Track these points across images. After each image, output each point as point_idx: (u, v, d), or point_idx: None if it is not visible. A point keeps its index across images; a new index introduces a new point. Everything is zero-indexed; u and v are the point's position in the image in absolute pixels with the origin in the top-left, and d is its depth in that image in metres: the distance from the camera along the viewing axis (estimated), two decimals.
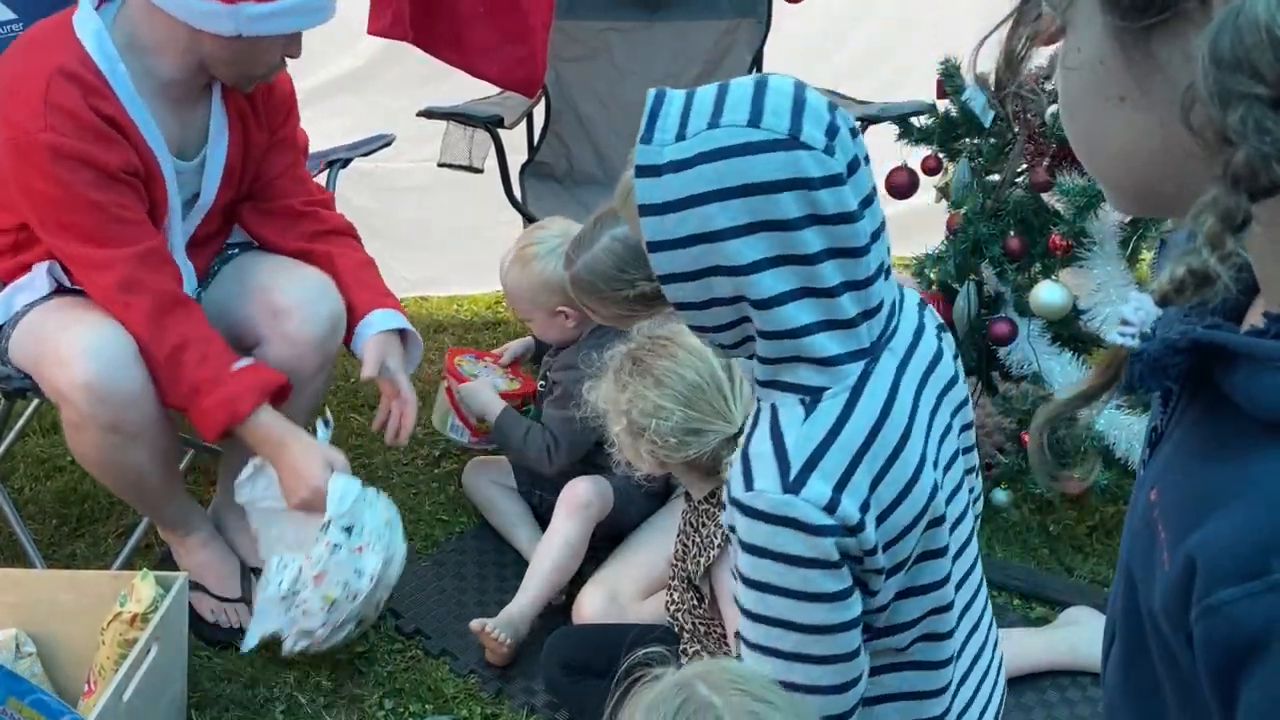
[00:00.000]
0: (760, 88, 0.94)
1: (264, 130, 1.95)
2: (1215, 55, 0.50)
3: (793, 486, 0.95)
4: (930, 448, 1.05)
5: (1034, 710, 1.78)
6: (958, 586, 1.12)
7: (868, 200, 0.96)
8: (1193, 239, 0.53)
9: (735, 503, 0.99)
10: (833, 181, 0.93)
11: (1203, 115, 0.51)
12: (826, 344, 0.97)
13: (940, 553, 1.07)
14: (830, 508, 0.95)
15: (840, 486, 0.96)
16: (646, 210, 0.95)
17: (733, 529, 1.01)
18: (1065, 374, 2.03)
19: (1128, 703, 0.71)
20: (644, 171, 0.95)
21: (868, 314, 0.98)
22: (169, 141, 1.80)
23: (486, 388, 2.19)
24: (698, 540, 1.58)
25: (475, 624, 1.84)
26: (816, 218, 0.93)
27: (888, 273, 1.02)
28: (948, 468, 1.10)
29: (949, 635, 1.12)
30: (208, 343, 1.76)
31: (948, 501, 1.08)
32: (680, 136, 0.93)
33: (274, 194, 1.98)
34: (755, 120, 0.92)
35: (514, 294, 2.09)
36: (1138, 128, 0.59)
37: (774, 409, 1.00)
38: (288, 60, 1.84)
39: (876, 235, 0.98)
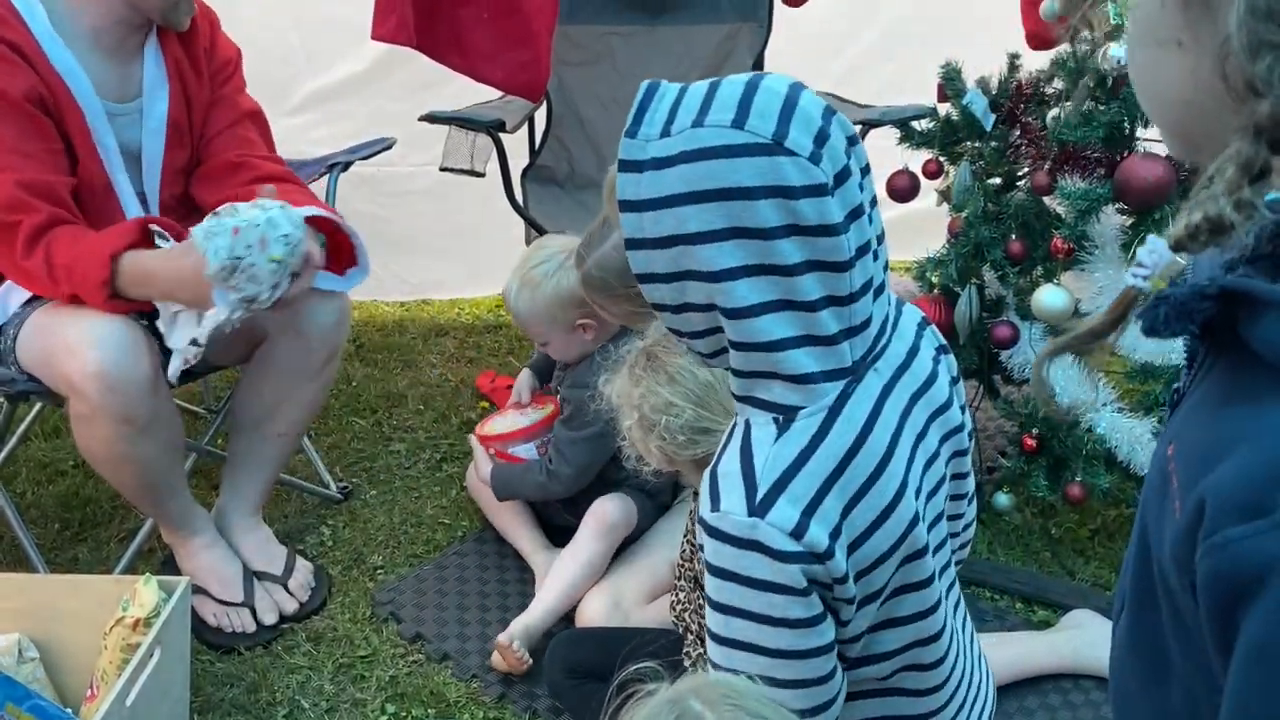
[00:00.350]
0: (752, 87, 0.89)
1: (204, 87, 1.97)
2: (1251, 5, 0.52)
3: (759, 509, 0.91)
4: (913, 474, 1.01)
5: (1036, 714, 1.77)
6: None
7: (856, 213, 0.90)
8: (1211, 185, 0.55)
9: (702, 523, 0.96)
10: (816, 191, 0.87)
11: (1235, 66, 0.53)
12: (803, 360, 0.92)
13: (924, 584, 1.03)
14: (797, 533, 0.91)
15: (809, 512, 0.91)
16: (625, 206, 0.92)
17: (701, 548, 0.98)
18: (1067, 377, 2.03)
19: (1135, 666, 0.71)
20: (626, 166, 0.92)
21: (850, 331, 0.93)
22: (100, 86, 1.81)
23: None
24: None
25: (502, 638, 1.83)
26: (796, 228, 0.88)
27: (879, 290, 0.97)
28: (931, 495, 1.05)
29: (938, 663, 1.08)
30: (79, 235, 1.74)
31: (929, 530, 1.04)
32: (665, 133, 0.90)
33: (212, 152, 1.99)
34: (740, 121, 0.87)
35: (528, 319, 2.01)
36: (1186, 73, 0.60)
37: (747, 426, 0.96)
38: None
39: (865, 250, 0.92)
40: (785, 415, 0.94)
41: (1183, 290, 0.61)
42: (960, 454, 1.13)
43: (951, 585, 1.15)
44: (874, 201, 0.95)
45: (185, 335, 1.75)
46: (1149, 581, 0.66)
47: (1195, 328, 0.61)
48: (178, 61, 1.91)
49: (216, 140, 1.99)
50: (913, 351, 1.04)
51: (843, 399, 0.95)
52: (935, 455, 1.06)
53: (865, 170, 0.94)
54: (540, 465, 2.05)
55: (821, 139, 0.88)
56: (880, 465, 0.96)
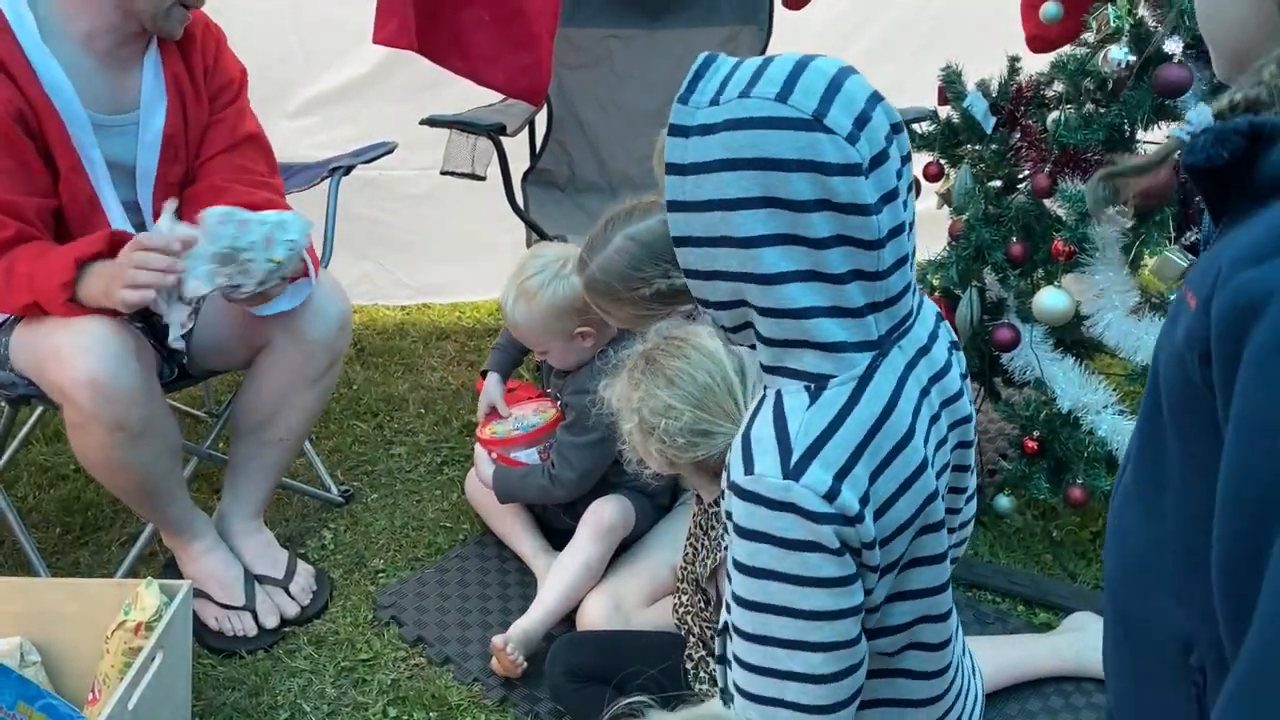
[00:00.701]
0: (801, 66, 0.92)
1: (203, 106, 1.96)
2: None
3: (793, 473, 0.94)
4: (930, 451, 1.04)
5: (1038, 716, 1.77)
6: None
7: (890, 195, 0.94)
8: (1256, 76, 0.70)
9: (734, 487, 0.98)
10: (850, 170, 0.90)
11: None
12: (832, 329, 0.96)
13: (936, 559, 1.05)
14: (830, 496, 0.94)
15: (841, 476, 0.94)
16: (671, 169, 0.96)
17: (729, 515, 1.00)
18: (1068, 379, 2.03)
19: (1134, 500, 0.80)
20: (675, 131, 0.95)
21: (876, 306, 0.97)
22: (92, 96, 1.80)
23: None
24: (706, 543, 1.58)
25: (498, 640, 1.83)
26: (829, 203, 0.91)
27: (907, 272, 1.00)
28: (939, 476, 1.08)
29: (943, 645, 1.10)
30: (45, 248, 1.74)
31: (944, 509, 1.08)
32: (714, 102, 0.93)
33: (202, 174, 1.97)
34: (784, 96, 0.90)
35: (526, 329, 2.00)
36: (1249, 4, 0.74)
37: (778, 394, 0.99)
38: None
39: (898, 230, 0.95)
40: (817, 383, 0.97)
41: (1219, 125, 0.72)
42: (964, 445, 1.15)
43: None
44: (911, 188, 0.99)
45: (177, 313, 1.72)
46: (1154, 402, 0.75)
47: (1225, 153, 0.71)
48: (177, 77, 1.90)
49: (209, 164, 1.97)
50: (933, 337, 1.07)
51: (871, 370, 0.98)
52: (944, 440, 1.09)
53: (906, 158, 0.97)
54: (543, 470, 2.04)
55: (862, 121, 0.91)
56: (905, 438, 0.99)
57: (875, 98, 0.94)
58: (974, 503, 1.24)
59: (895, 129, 0.95)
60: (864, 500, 0.95)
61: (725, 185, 0.92)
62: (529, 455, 2.11)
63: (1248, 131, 0.70)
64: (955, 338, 1.14)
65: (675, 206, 0.97)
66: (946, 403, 1.09)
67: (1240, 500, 0.64)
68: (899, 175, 0.95)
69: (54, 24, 1.78)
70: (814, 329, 0.95)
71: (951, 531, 1.19)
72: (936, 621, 1.08)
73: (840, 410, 0.96)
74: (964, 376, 1.14)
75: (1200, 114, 0.74)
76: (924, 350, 1.05)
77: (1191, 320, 0.69)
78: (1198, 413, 0.69)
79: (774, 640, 0.99)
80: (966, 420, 1.13)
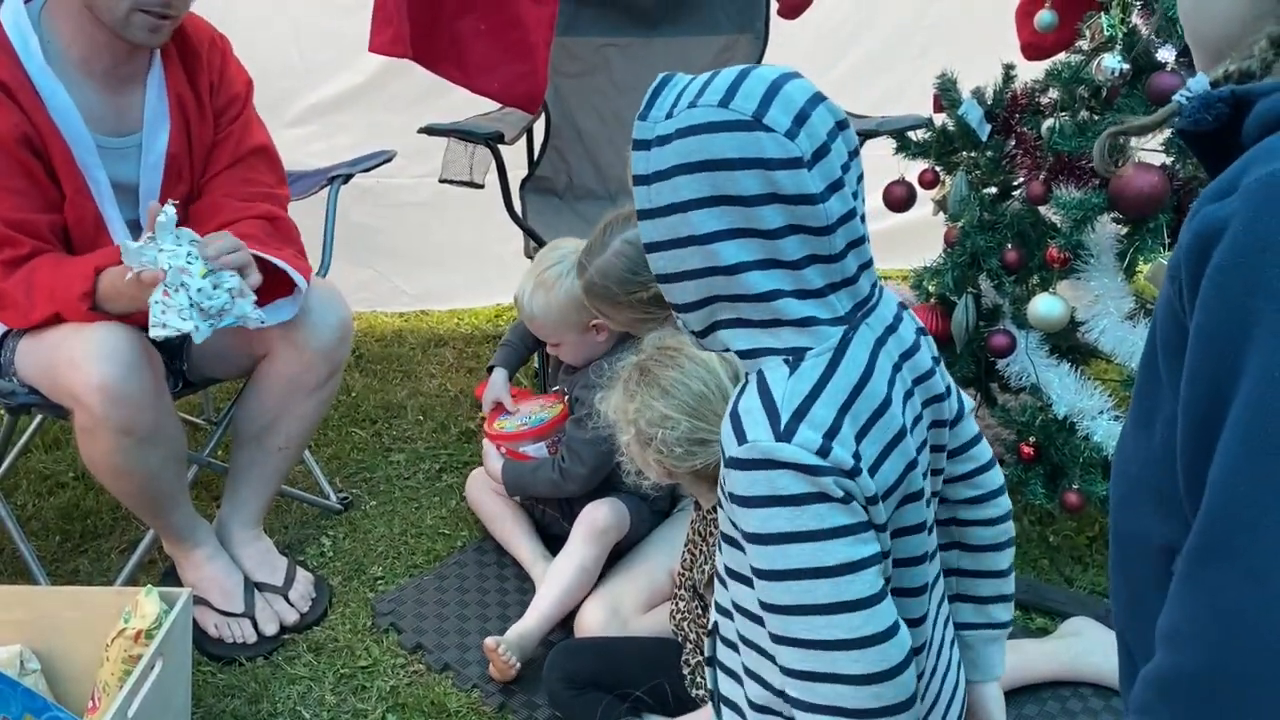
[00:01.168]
0: (744, 74, 1.00)
1: (208, 124, 1.96)
2: None
3: (784, 435, 0.98)
4: (907, 422, 1.07)
5: None
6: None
7: (836, 184, 0.99)
8: (1249, 50, 0.79)
9: (731, 461, 1.01)
10: (792, 164, 0.97)
11: None
12: (799, 307, 1.01)
13: (916, 529, 1.09)
14: (823, 452, 0.97)
15: (830, 435, 0.98)
16: (636, 180, 1.03)
17: (731, 496, 1.02)
18: (1064, 385, 2.04)
19: (1135, 426, 0.87)
20: (637, 145, 1.03)
21: (835, 286, 1.02)
22: (95, 120, 1.82)
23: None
24: (705, 549, 1.59)
25: (490, 642, 1.84)
26: (776, 196, 0.97)
27: (865, 256, 1.05)
28: (918, 450, 1.11)
29: (919, 622, 1.11)
30: (62, 259, 1.76)
31: (924, 478, 1.10)
32: (669, 115, 1.00)
33: (206, 190, 1.97)
34: (726, 101, 0.98)
35: (542, 320, 2.03)
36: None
37: (760, 372, 1.03)
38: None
39: (849, 216, 1.01)
40: (795, 356, 1.02)
41: (1206, 93, 0.80)
42: (939, 424, 1.17)
43: (936, 577, 1.18)
44: (861, 179, 1.05)
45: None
46: (1151, 346, 0.83)
47: (1210, 118, 0.79)
48: (181, 97, 1.91)
49: (213, 180, 1.98)
50: (897, 319, 1.12)
51: (845, 342, 1.03)
52: (919, 417, 1.12)
53: (854, 153, 1.03)
54: (554, 463, 2.05)
55: (801, 119, 0.98)
56: (883, 404, 1.03)
57: (817, 98, 1.00)
58: (989, 475, 1.25)
59: (840, 125, 1.01)
60: (856, 457, 0.99)
61: (680, 188, 0.99)
62: (537, 449, 2.13)
63: (1230, 99, 0.78)
64: (921, 324, 1.18)
65: (643, 215, 1.03)
66: (919, 380, 1.12)
67: (1195, 400, 0.73)
68: (845, 168, 1.01)
69: (56, 48, 1.79)
70: (782, 308, 1.01)
71: (930, 505, 1.21)
72: (913, 596, 1.10)
73: (821, 377, 1.01)
74: (936, 360, 1.17)
75: (1199, 81, 0.81)
76: (891, 329, 1.10)
77: (1172, 259, 0.78)
78: (1180, 339, 0.76)
79: (810, 608, 1.00)
80: (940, 398, 1.16)
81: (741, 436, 1.00)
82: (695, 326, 1.07)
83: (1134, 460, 0.88)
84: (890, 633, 1.01)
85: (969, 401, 1.25)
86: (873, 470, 1.01)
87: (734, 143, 0.97)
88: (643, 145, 1.02)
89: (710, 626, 1.21)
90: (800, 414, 0.99)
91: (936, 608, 1.18)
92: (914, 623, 1.10)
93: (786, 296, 1.00)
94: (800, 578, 0.99)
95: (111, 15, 1.77)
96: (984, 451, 1.25)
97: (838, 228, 0.99)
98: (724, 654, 1.19)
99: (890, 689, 1.00)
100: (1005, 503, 1.26)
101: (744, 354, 1.05)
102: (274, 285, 1.85)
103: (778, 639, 1.03)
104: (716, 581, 1.17)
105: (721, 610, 1.17)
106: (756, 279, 1.00)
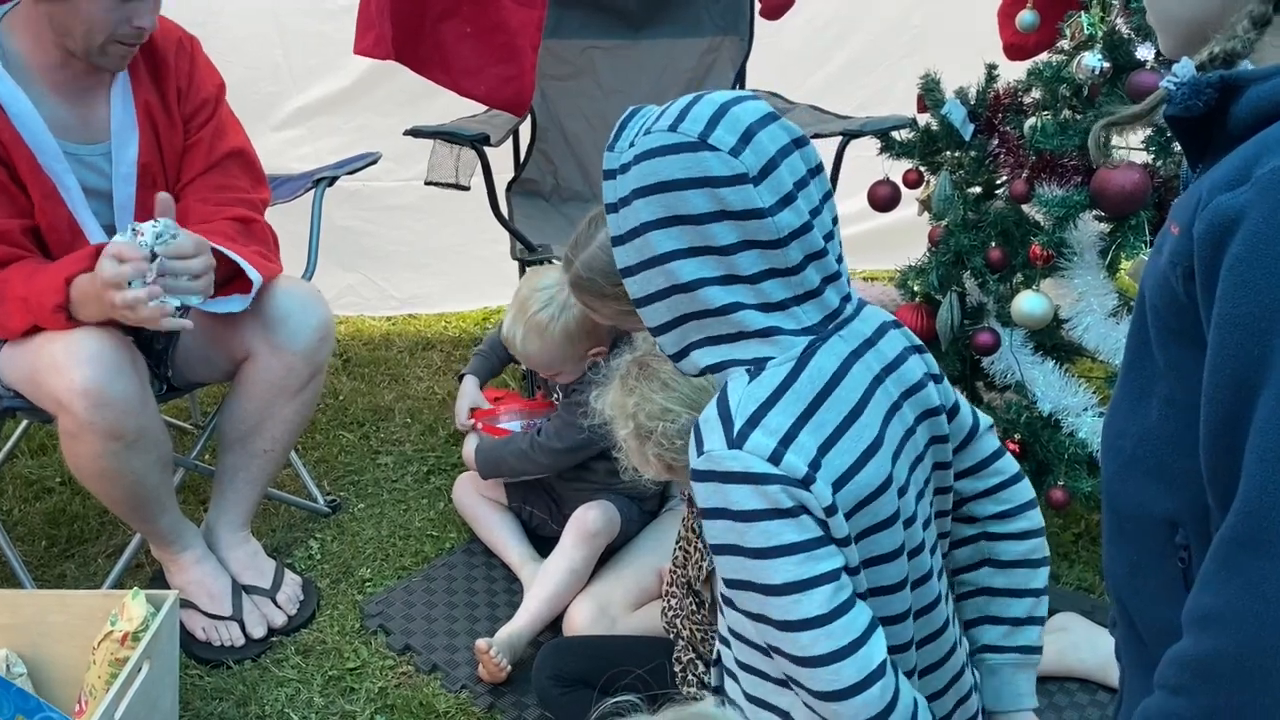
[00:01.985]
0: (695, 99, 1.03)
1: (178, 132, 1.95)
2: None
3: (736, 441, 0.99)
4: (889, 438, 1.06)
5: None
6: (914, 587, 1.11)
7: (787, 199, 1.00)
8: (1230, 32, 0.81)
9: (693, 473, 1.02)
10: (737, 180, 0.99)
11: None
12: (760, 319, 1.02)
13: (888, 557, 1.06)
14: (773, 459, 0.98)
15: (785, 442, 0.99)
16: (608, 209, 1.06)
17: (699, 510, 1.03)
18: (1048, 382, 2.05)
19: (1124, 401, 0.90)
20: (606, 175, 1.06)
21: (800, 298, 1.03)
22: (61, 128, 1.81)
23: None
24: (699, 546, 1.59)
25: (481, 644, 1.84)
26: (725, 213, 0.99)
27: (830, 270, 1.05)
28: (912, 468, 1.10)
29: (903, 649, 1.10)
30: (33, 269, 1.75)
31: (917, 500, 1.09)
32: (631, 143, 1.04)
33: (178, 198, 1.94)
34: (675, 125, 1.01)
35: (541, 360, 2.02)
36: None
37: (724, 386, 1.05)
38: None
39: (804, 230, 1.01)
40: (757, 365, 1.03)
41: (1194, 78, 0.82)
42: (939, 440, 1.16)
43: (934, 602, 1.15)
44: (828, 196, 1.05)
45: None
46: (1141, 325, 0.87)
47: (1200, 103, 0.81)
48: (148, 105, 1.90)
49: (189, 187, 1.97)
50: (879, 332, 1.12)
51: (809, 351, 1.04)
52: (912, 430, 1.11)
53: (814, 170, 1.04)
54: (528, 437, 2.06)
55: (748, 137, 1.00)
56: (852, 414, 1.04)
57: (769, 118, 1.02)
58: (1015, 489, 1.24)
59: (796, 143, 1.03)
60: (814, 466, 0.99)
61: (639, 211, 1.02)
62: (513, 425, 2.14)
63: (1219, 84, 0.81)
64: (918, 342, 1.17)
65: (615, 241, 1.06)
66: (907, 394, 1.11)
67: (1219, 386, 0.75)
68: (800, 184, 1.02)
69: (17, 57, 1.78)
70: (744, 320, 1.02)
71: (942, 534, 1.20)
72: (891, 624, 1.08)
73: (780, 385, 1.02)
74: (934, 377, 1.15)
75: (1184, 67, 0.85)
76: (869, 343, 1.09)
77: (1175, 244, 0.80)
78: (1181, 322, 0.80)
79: (765, 619, 1.02)
80: (936, 412, 1.14)
81: (700, 446, 1.02)
82: (670, 349, 1.08)
83: (1127, 435, 0.90)
84: (844, 652, 1.00)
85: (986, 419, 1.23)
86: (840, 482, 1.00)
87: (681, 163, 1.00)
88: (610, 175, 1.06)
89: (715, 657, 1.22)
90: (754, 420, 0.99)
91: (942, 629, 1.15)
92: (896, 649, 1.09)
93: (748, 309, 1.02)
94: (753, 590, 1.01)
95: (86, 46, 1.77)
96: (1009, 465, 1.24)
97: (790, 241, 1.00)
98: (728, 685, 1.19)
99: (847, 708, 1.00)
100: (1037, 517, 1.24)
101: (713, 368, 1.06)
102: (242, 284, 1.86)
103: (742, 639, 1.06)
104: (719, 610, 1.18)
105: (722, 639, 1.18)
106: (716, 293, 1.01)
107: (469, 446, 2.18)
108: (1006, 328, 2.08)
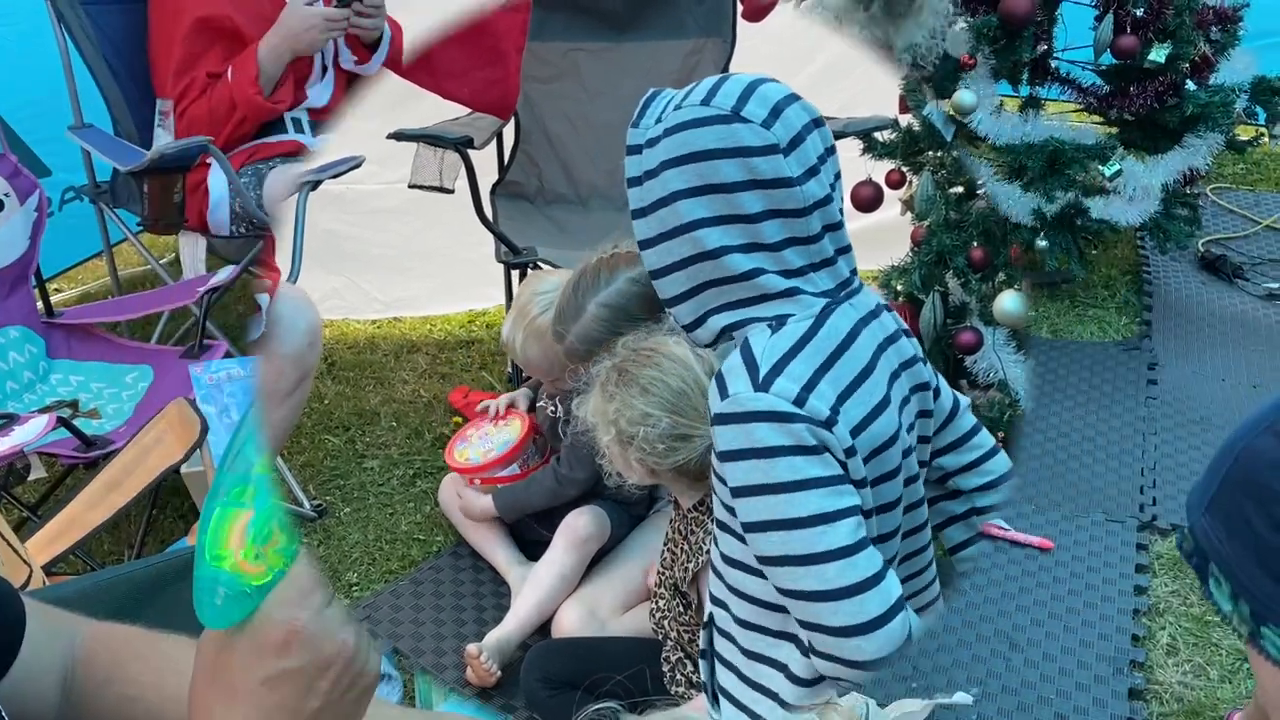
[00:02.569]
0: (723, 79, 1.09)
1: None
2: None
3: (762, 385, 1.04)
4: (894, 398, 1.12)
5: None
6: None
7: (812, 170, 1.07)
8: None
9: (716, 417, 1.07)
10: (769, 150, 1.04)
11: None
12: (780, 281, 1.08)
13: (888, 507, 1.13)
14: (798, 402, 1.03)
15: (808, 388, 1.04)
16: (631, 183, 1.11)
17: (718, 454, 1.07)
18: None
19: None
20: (631, 150, 1.11)
21: (816, 266, 1.09)
22: None
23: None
24: (686, 548, 1.60)
25: (472, 649, 1.83)
26: (756, 182, 1.05)
27: (842, 240, 1.12)
28: (909, 431, 1.16)
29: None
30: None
31: (911, 457, 1.15)
32: (658, 120, 1.09)
33: None
34: (708, 100, 1.07)
35: (542, 366, 2.01)
36: None
37: (745, 339, 1.09)
38: None
39: (825, 201, 1.08)
40: (779, 321, 1.09)
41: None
42: (925, 414, 1.21)
43: (925, 551, 1.23)
44: (838, 176, 1.12)
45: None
46: None
47: None
48: None
49: None
50: (879, 309, 1.18)
51: (827, 311, 1.10)
52: (907, 399, 1.17)
53: (830, 150, 1.11)
54: (551, 473, 2.04)
55: (777, 111, 1.06)
56: (865, 372, 1.09)
57: (792, 97, 1.09)
58: (995, 460, 1.31)
59: (816, 123, 1.10)
60: (834, 411, 1.04)
61: (669, 181, 1.07)
62: (511, 472, 2.12)
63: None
64: (904, 325, 1.23)
65: (636, 214, 1.11)
66: (904, 365, 1.18)
67: None
68: (821, 159, 1.09)
69: None
70: (766, 284, 1.08)
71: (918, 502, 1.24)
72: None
73: (801, 337, 1.07)
74: (921, 360, 1.22)
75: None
76: (873, 314, 1.15)
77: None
78: None
79: (789, 559, 1.04)
80: (925, 387, 1.21)
81: (724, 391, 1.06)
82: (686, 319, 1.12)
83: None
84: (868, 584, 1.03)
85: (964, 398, 1.31)
86: (857, 430, 1.06)
87: (715, 135, 1.05)
88: (635, 150, 1.10)
89: (706, 619, 1.23)
90: (778, 368, 1.05)
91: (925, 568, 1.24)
92: None
93: (769, 274, 1.07)
94: (778, 529, 1.04)
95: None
96: (986, 439, 1.31)
97: (813, 210, 1.06)
98: (720, 645, 1.21)
99: (870, 642, 1.02)
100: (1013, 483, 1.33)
101: (732, 327, 1.11)
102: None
103: (781, 591, 1.08)
104: (711, 572, 1.19)
105: (716, 601, 1.19)
106: (739, 260, 1.06)
107: (477, 500, 2.11)
108: (989, 327, 2.10)
